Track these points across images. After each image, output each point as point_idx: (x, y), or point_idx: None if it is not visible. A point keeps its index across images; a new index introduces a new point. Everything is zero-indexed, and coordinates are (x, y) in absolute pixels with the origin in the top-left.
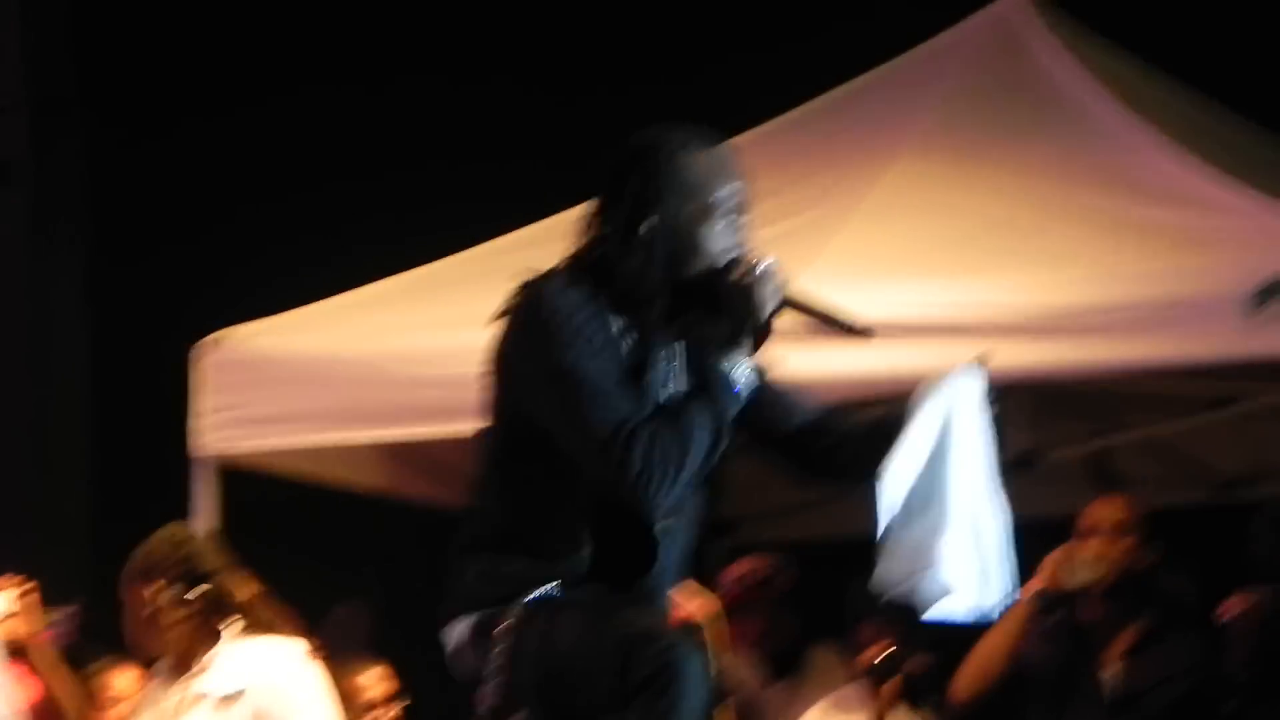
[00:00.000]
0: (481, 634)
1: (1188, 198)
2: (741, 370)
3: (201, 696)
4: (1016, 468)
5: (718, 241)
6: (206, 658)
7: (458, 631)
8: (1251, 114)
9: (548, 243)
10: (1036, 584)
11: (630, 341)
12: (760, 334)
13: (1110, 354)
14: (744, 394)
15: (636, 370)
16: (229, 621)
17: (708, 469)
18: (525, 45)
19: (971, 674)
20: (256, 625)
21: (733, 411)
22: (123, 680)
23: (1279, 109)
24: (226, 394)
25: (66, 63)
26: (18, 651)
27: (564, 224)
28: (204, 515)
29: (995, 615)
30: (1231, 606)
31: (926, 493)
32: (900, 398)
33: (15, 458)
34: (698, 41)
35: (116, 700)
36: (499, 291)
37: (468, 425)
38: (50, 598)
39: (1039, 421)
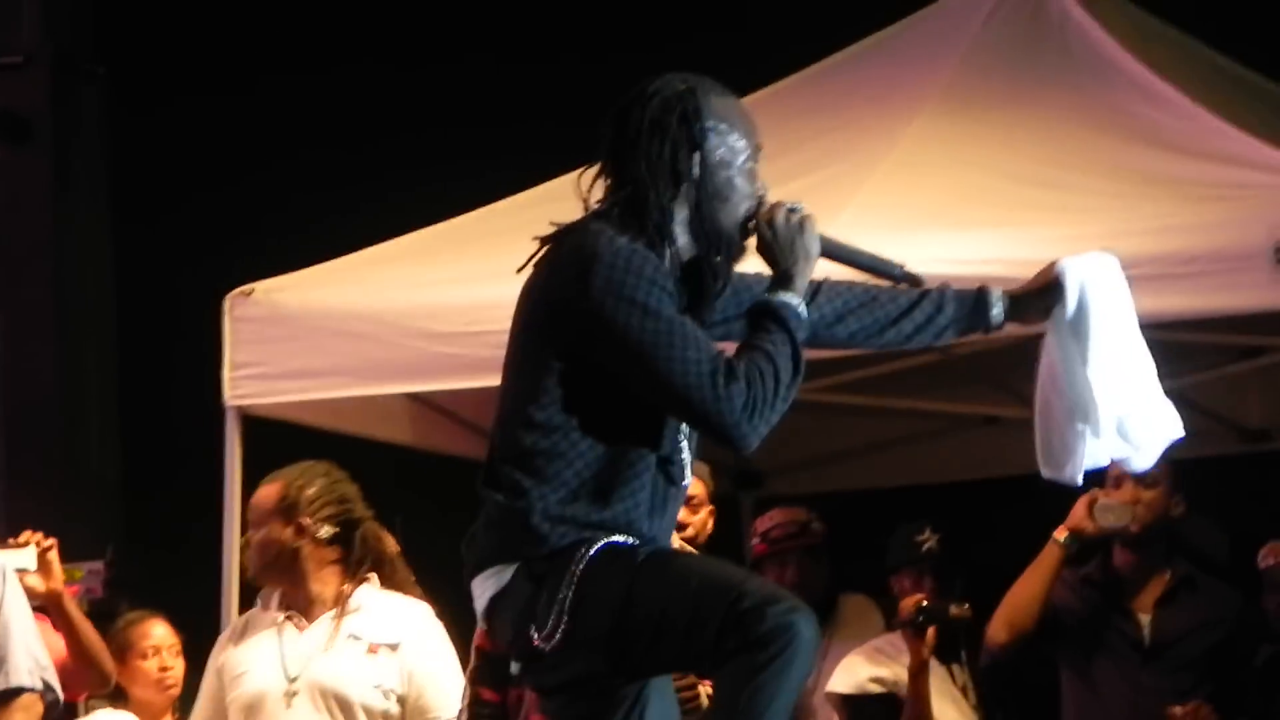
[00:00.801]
0: (535, 579)
1: (1211, 151)
2: (797, 304)
3: (355, 639)
4: None
5: (750, 183)
6: (352, 602)
7: (503, 578)
8: (1272, 71)
9: (570, 198)
10: (1065, 529)
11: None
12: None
13: (1136, 306)
14: (805, 327)
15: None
16: (366, 571)
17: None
18: (551, 14)
19: (1006, 617)
20: (393, 581)
21: (803, 340)
22: (159, 629)
23: None
24: (255, 347)
25: (86, 18)
26: (41, 608)
27: (586, 179)
28: (233, 466)
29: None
30: (1267, 555)
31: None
32: (929, 350)
33: (45, 413)
34: None
35: (157, 649)
36: (523, 246)
37: (491, 379)
38: (80, 551)
39: None
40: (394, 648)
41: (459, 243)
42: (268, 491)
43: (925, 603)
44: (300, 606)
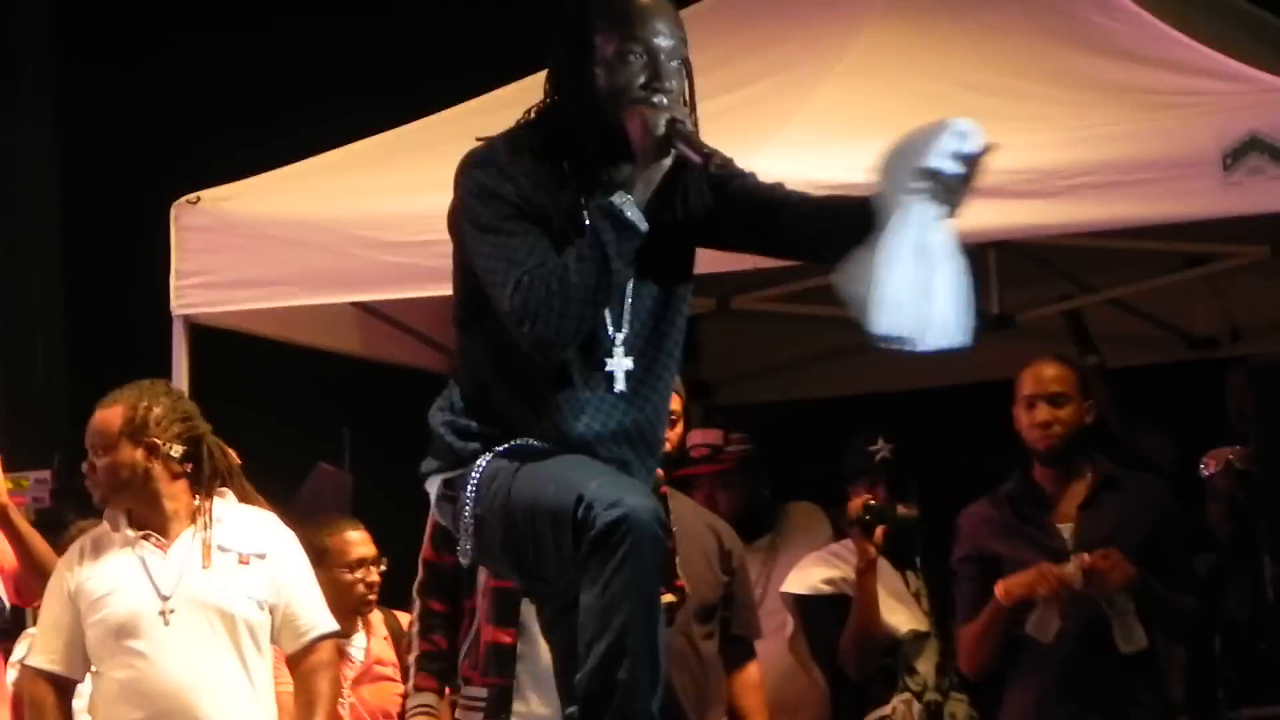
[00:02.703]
0: (449, 493)
1: (1162, 59)
2: (629, 204)
3: (224, 550)
4: (994, 328)
5: (633, 79)
6: (208, 516)
7: (434, 490)
8: None
9: (518, 105)
10: (1007, 596)
11: (574, 188)
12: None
13: (1083, 214)
14: (639, 226)
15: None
16: (219, 488)
17: (598, 306)
18: None
19: (966, 660)
20: (240, 494)
21: (625, 245)
22: (363, 543)
23: None
24: (201, 255)
25: None
26: None
27: (538, 85)
28: (180, 375)
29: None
30: (1209, 463)
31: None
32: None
33: None
34: None
35: (363, 561)
36: None
37: (439, 288)
38: (26, 461)
39: (1014, 282)
40: (262, 557)
41: (407, 151)
42: (111, 414)
43: (872, 502)
44: (156, 525)
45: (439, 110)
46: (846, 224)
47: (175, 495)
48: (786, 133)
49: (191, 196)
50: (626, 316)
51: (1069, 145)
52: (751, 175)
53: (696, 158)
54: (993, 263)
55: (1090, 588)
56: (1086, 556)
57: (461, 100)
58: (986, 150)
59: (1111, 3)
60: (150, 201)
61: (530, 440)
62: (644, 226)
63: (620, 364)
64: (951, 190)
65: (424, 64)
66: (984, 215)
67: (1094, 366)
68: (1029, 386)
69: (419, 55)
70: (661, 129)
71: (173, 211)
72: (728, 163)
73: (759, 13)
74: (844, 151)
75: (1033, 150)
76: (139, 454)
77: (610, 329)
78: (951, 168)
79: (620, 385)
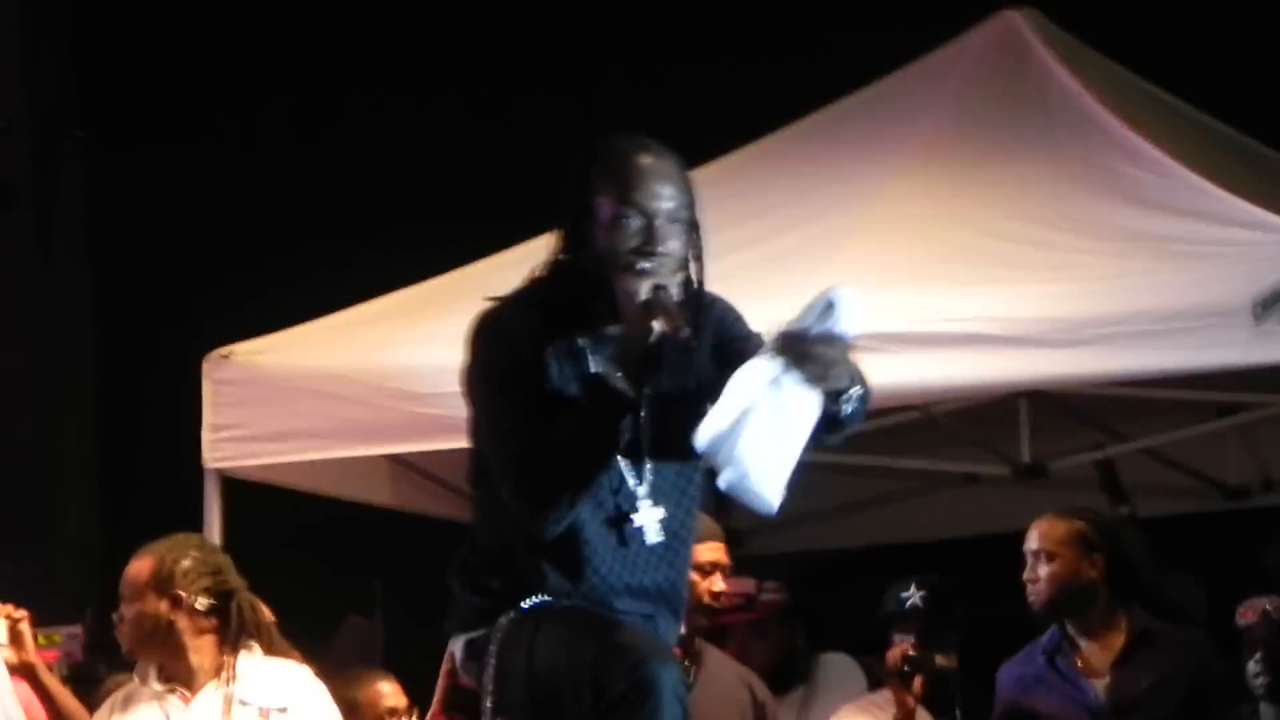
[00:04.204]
0: (473, 652)
1: (1190, 208)
2: (618, 377)
3: (245, 705)
4: (1025, 477)
5: (625, 244)
6: (236, 669)
7: (456, 650)
8: (1247, 125)
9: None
10: None
11: (573, 351)
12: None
13: (1115, 363)
14: (627, 396)
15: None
16: (245, 640)
17: (591, 480)
18: (535, 55)
19: None
20: (271, 648)
21: (616, 415)
22: (392, 692)
23: (1273, 118)
24: (234, 409)
25: (68, 82)
26: (18, 676)
27: None
28: (213, 528)
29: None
30: (1245, 613)
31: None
32: (910, 408)
33: (26, 475)
34: (698, 56)
35: (395, 712)
36: None
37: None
38: (59, 615)
39: (1046, 431)
40: (284, 711)
41: (437, 303)
42: (140, 566)
43: (911, 652)
44: (182, 678)
45: (468, 263)
46: None
47: (201, 649)
48: (818, 284)
49: (224, 350)
50: (648, 475)
51: (1100, 295)
52: (756, 340)
53: (668, 328)
54: (1024, 412)
55: None
56: None
57: (491, 253)
58: (854, 324)
59: (1141, 152)
60: (185, 356)
61: (551, 597)
62: (632, 396)
63: (650, 515)
64: (817, 359)
65: (453, 219)
66: (1016, 364)
67: (1125, 517)
68: (1026, 543)
69: (448, 211)
70: (643, 297)
71: (205, 365)
72: (724, 327)
73: (790, 163)
74: (875, 303)
75: (1064, 300)
76: (164, 605)
77: (632, 482)
78: (817, 333)
79: (652, 538)
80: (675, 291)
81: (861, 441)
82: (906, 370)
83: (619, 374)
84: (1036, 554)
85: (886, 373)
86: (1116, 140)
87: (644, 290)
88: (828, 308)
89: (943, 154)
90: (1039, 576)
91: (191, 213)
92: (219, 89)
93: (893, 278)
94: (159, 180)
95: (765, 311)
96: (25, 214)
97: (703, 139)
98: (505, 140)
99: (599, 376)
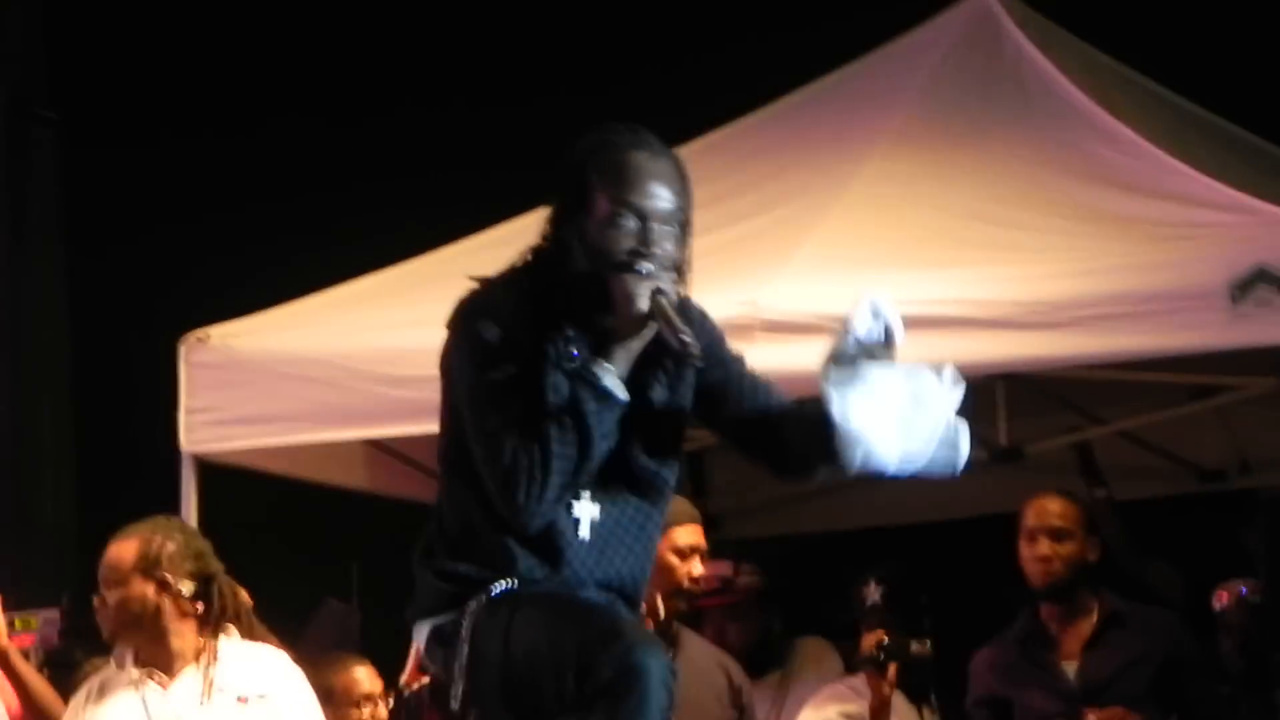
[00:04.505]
0: (440, 638)
1: (1166, 190)
2: (610, 374)
3: (223, 690)
4: (1002, 460)
5: (620, 244)
6: (211, 654)
7: (422, 636)
8: (1223, 108)
9: (525, 240)
10: None
11: (564, 344)
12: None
13: (1091, 346)
14: (617, 396)
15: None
16: (225, 626)
17: (579, 474)
18: (503, 51)
19: None
20: (250, 633)
21: (605, 414)
22: (366, 677)
23: (1249, 104)
24: (210, 392)
25: (38, 63)
26: None
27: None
28: (190, 512)
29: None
30: (1221, 596)
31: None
32: None
33: (1, 458)
34: (676, 38)
35: (370, 698)
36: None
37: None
38: (36, 600)
39: (1022, 414)
40: (264, 697)
41: (415, 286)
42: (124, 549)
43: (885, 640)
44: (160, 663)
45: (446, 245)
46: (818, 441)
47: (182, 633)
48: (793, 264)
49: (201, 333)
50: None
51: (1076, 277)
52: (738, 365)
53: (673, 341)
54: (1001, 395)
55: None
56: (1093, 717)
57: (468, 235)
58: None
59: (1116, 135)
60: (159, 338)
61: (520, 581)
62: (623, 397)
63: (586, 510)
64: (877, 354)
65: (431, 201)
66: (992, 347)
67: (1102, 499)
68: (1032, 520)
69: (426, 193)
70: (644, 302)
71: (182, 348)
72: (708, 348)
73: (767, 145)
74: (849, 282)
75: (1039, 282)
76: (150, 589)
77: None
78: (872, 336)
79: (585, 533)
80: (673, 293)
81: None
82: None
83: (610, 369)
84: (1052, 532)
85: None
86: (1091, 123)
87: (640, 291)
88: (871, 313)
89: (917, 136)
90: (1053, 554)
91: (167, 196)
92: (193, 73)
93: (867, 260)
94: (134, 163)
95: (738, 292)
96: None
97: (678, 122)
98: (478, 126)
99: (591, 372)
